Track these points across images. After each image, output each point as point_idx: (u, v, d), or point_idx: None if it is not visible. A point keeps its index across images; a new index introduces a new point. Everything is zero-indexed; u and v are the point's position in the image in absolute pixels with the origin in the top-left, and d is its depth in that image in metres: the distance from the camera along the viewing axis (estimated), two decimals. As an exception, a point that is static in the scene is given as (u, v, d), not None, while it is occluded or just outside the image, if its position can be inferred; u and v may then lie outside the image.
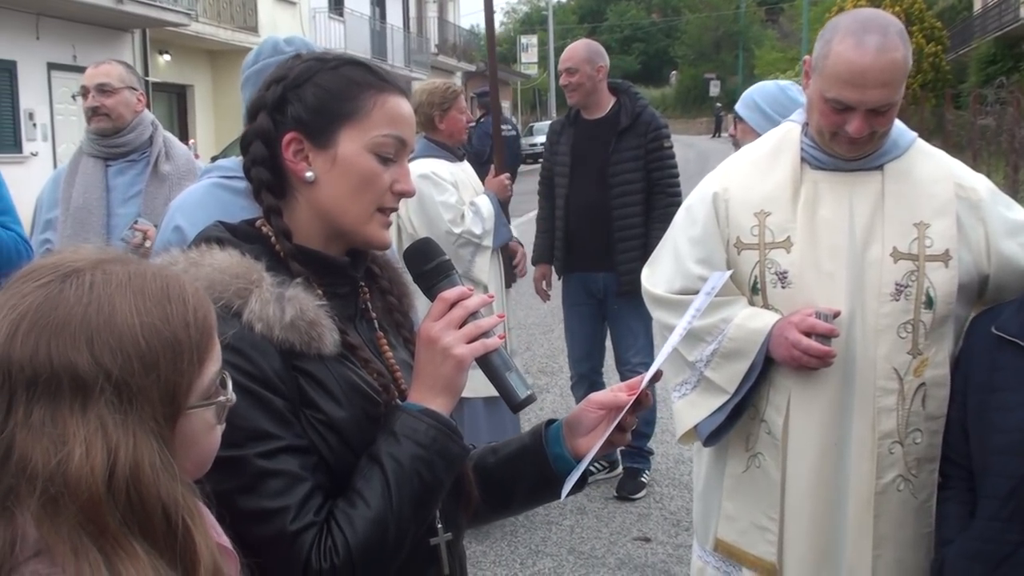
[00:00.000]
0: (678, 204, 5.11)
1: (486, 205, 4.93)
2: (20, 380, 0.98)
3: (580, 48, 5.31)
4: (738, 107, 4.04)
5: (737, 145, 3.91)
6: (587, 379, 5.56)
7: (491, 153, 7.45)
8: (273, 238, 1.53)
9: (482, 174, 5.32)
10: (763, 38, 67.13)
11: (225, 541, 1.17)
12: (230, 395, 1.15)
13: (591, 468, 5.52)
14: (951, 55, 34.21)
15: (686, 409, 2.61)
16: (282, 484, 1.38)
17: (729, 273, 2.33)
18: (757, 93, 4.01)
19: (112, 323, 1.01)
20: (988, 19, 32.15)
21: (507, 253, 5.21)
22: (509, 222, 5.21)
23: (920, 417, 2.38)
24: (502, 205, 5.09)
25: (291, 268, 1.50)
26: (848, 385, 2.39)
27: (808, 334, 2.33)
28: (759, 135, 3.86)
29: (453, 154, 5.01)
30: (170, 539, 1.01)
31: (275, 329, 1.41)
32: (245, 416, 1.37)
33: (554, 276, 5.69)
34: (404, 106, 1.56)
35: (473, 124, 8.86)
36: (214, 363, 1.12)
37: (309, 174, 1.52)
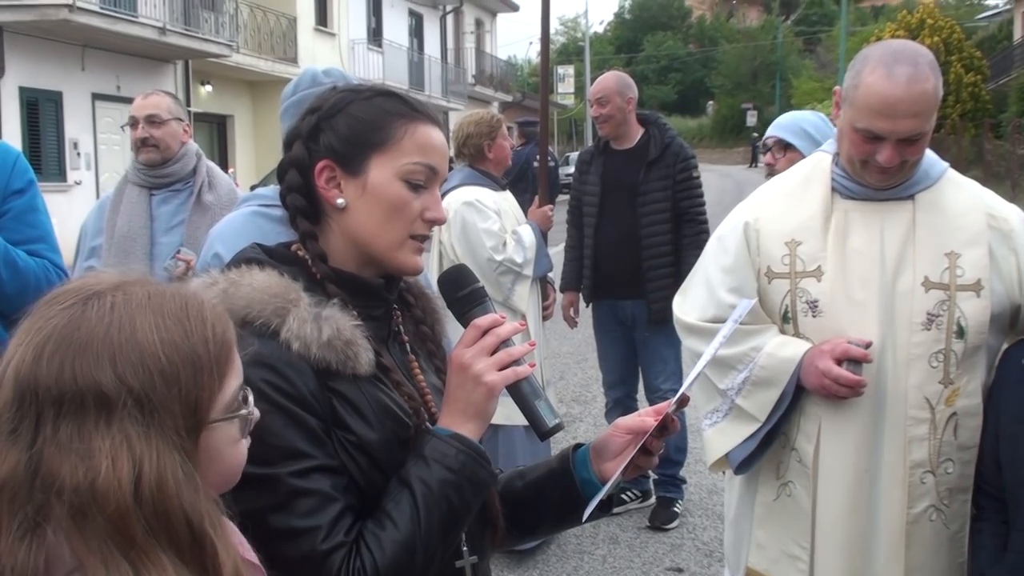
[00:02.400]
0: (706, 231, 5.17)
1: (528, 234, 4.96)
2: (47, 399, 1.01)
3: (610, 80, 5.36)
4: (785, 135, 3.93)
5: (773, 175, 3.88)
6: (622, 404, 5.57)
7: (516, 179, 7.48)
8: (310, 261, 1.57)
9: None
10: (800, 68, 66.97)
11: (252, 556, 1.19)
12: (252, 409, 1.17)
13: (624, 497, 5.46)
14: (991, 84, 33.99)
15: (717, 437, 2.62)
16: (314, 503, 1.41)
17: (754, 301, 2.34)
18: (804, 122, 3.95)
19: (133, 341, 1.04)
20: (1029, 49, 31.90)
21: (543, 288, 5.24)
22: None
23: (952, 447, 2.37)
24: (543, 235, 5.12)
25: (327, 290, 1.53)
26: (879, 414, 2.39)
27: (841, 361, 2.33)
28: None
29: (496, 183, 5.06)
30: (194, 550, 1.03)
31: (312, 348, 1.44)
32: (280, 434, 1.40)
33: (581, 304, 5.72)
34: (435, 135, 1.60)
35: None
36: (235, 378, 1.15)
37: (340, 201, 1.56)
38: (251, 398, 1.18)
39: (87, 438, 1.00)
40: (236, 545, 1.12)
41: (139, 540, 0.99)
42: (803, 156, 3.68)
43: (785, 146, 3.93)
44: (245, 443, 1.19)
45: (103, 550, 0.98)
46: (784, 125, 3.98)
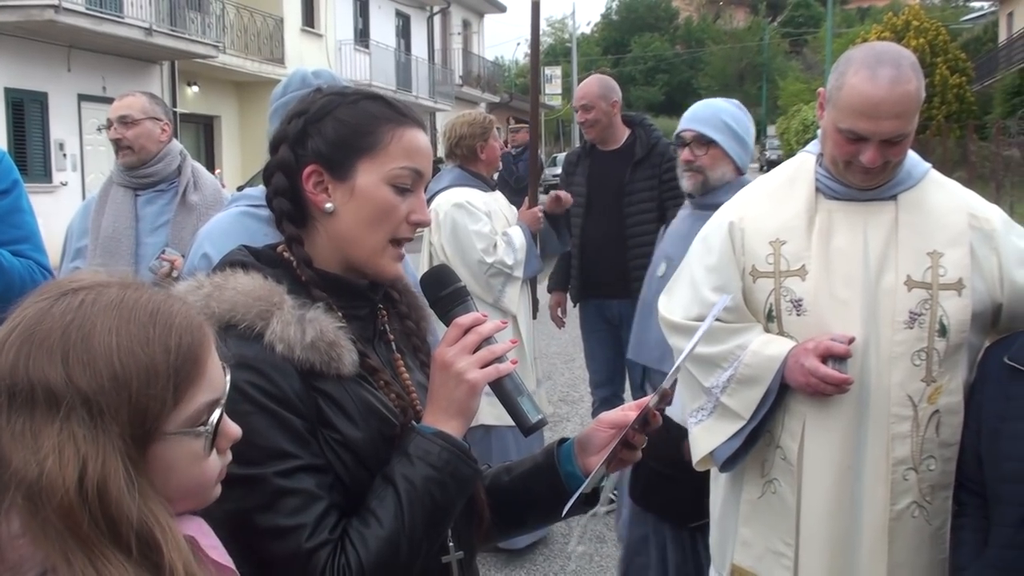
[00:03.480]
0: None
1: (518, 236, 4.96)
2: (2, 388, 1.02)
3: (594, 84, 5.37)
4: (707, 130, 3.58)
5: (699, 173, 3.62)
6: (609, 403, 5.58)
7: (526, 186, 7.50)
8: (295, 264, 1.58)
9: (521, 203, 5.38)
10: (787, 69, 67.18)
11: (226, 561, 1.18)
12: (211, 427, 1.13)
13: (612, 496, 5.43)
14: (976, 86, 34.18)
15: (702, 435, 2.64)
16: (299, 502, 1.42)
17: (731, 296, 2.35)
18: (724, 113, 3.62)
19: (89, 341, 1.03)
20: (1013, 50, 32.15)
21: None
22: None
23: (934, 444, 2.39)
24: (533, 236, 5.13)
25: (312, 294, 1.55)
26: (862, 412, 2.41)
27: (825, 358, 2.36)
28: (734, 163, 3.64)
29: (486, 184, 5.07)
30: (142, 553, 1.02)
31: (296, 350, 1.46)
32: (265, 435, 1.41)
33: (569, 304, 5.74)
34: (421, 138, 1.62)
35: (520, 150, 8.94)
36: (205, 393, 1.12)
37: (328, 205, 1.57)
38: (216, 417, 1.13)
39: (37, 432, 1.00)
40: (188, 550, 1.08)
41: (90, 537, 0.99)
42: (726, 153, 3.59)
43: (707, 142, 3.61)
44: (215, 461, 1.15)
45: (63, 545, 0.99)
46: (704, 118, 3.62)
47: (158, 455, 1.07)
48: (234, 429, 1.18)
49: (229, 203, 2.98)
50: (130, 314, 1.07)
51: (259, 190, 2.76)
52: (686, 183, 3.72)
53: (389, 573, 1.44)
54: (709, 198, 3.55)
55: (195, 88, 23.38)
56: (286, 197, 1.60)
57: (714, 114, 3.63)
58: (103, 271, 1.14)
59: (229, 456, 1.19)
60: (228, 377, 1.18)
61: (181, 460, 1.10)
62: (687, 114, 3.72)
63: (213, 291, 1.48)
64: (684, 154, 3.67)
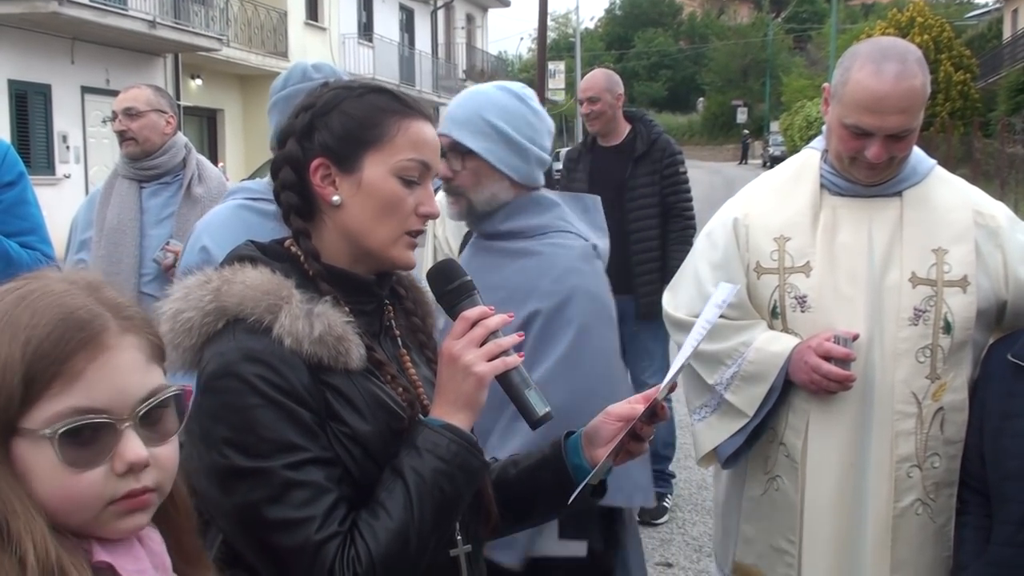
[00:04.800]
0: (693, 227, 5.18)
1: None
2: None
3: (600, 77, 5.41)
4: (464, 138, 2.33)
5: (461, 196, 2.37)
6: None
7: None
8: (302, 258, 1.59)
9: None
10: (791, 65, 67.01)
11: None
12: (51, 432, 1.05)
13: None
14: (980, 83, 34.13)
15: (706, 431, 2.63)
16: (308, 495, 1.43)
17: (737, 287, 2.31)
18: (488, 108, 2.35)
19: None
20: (1018, 47, 32.10)
21: None
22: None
23: (938, 441, 2.39)
24: None
25: (320, 288, 1.55)
26: (867, 409, 2.41)
27: (826, 358, 2.35)
28: (505, 176, 2.37)
29: None
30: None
31: (304, 344, 1.46)
32: (273, 428, 1.42)
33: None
34: (428, 131, 1.62)
35: None
36: (73, 398, 1.06)
37: (336, 198, 1.58)
38: (74, 425, 1.05)
39: None
40: (50, 544, 1.03)
41: None
42: (492, 165, 2.34)
43: (463, 152, 2.35)
44: (99, 479, 1.07)
45: None
46: (462, 118, 2.37)
47: (20, 452, 1.05)
48: (134, 454, 1.07)
49: (227, 196, 2.98)
50: (29, 304, 1.07)
51: (257, 183, 2.76)
52: (449, 209, 2.47)
53: (398, 565, 1.45)
54: (487, 226, 2.44)
55: (198, 81, 23.38)
56: (293, 191, 1.60)
57: (474, 111, 2.38)
58: (55, 272, 1.14)
59: (143, 483, 1.09)
60: (156, 401, 1.11)
61: (39, 464, 1.05)
62: (449, 115, 2.44)
63: (222, 285, 1.50)
64: (442, 168, 2.37)
